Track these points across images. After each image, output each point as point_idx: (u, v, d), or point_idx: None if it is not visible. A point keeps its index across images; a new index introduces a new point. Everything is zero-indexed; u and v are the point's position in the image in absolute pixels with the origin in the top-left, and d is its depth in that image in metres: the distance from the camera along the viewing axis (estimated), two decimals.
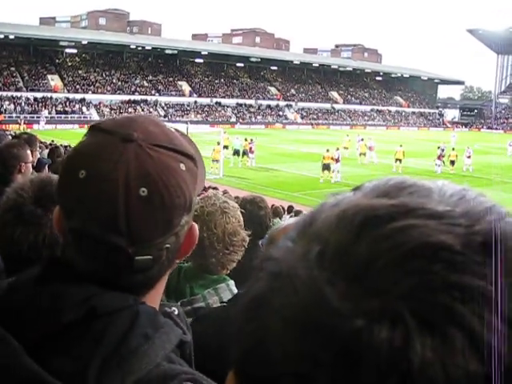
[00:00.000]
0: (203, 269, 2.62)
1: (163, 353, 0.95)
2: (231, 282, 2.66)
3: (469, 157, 37.92)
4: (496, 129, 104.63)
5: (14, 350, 0.90)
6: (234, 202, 2.94)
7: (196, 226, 1.10)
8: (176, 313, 1.11)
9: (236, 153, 36.33)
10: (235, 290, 2.66)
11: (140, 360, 0.92)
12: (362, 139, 40.87)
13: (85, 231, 0.96)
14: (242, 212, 2.82)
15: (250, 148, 36.09)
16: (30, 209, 1.61)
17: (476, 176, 34.73)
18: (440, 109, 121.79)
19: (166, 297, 1.58)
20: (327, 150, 31.58)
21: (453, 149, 38.35)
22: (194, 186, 1.03)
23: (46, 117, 65.38)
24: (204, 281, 2.58)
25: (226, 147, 36.27)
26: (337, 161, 31.32)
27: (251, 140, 36.33)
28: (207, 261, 2.58)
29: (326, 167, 30.99)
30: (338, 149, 32.48)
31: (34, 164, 4.71)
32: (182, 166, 1.00)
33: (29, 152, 4.45)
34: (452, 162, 36.80)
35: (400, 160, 35.95)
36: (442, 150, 37.84)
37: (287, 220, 11.84)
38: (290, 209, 15.63)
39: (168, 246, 1.00)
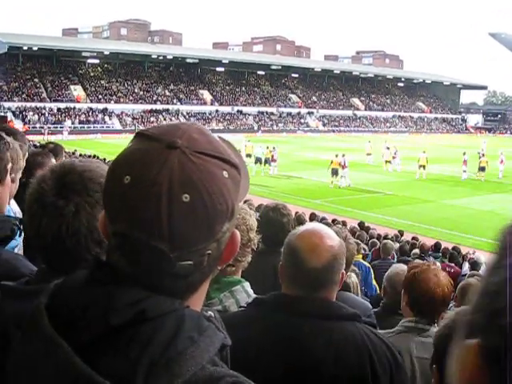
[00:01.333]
0: None
1: (208, 356, 0.97)
2: (246, 284, 2.68)
3: (501, 162, 37.11)
4: None
5: (65, 351, 0.94)
6: (250, 208, 2.95)
7: (238, 234, 1.10)
8: (214, 316, 1.12)
9: (258, 161, 36.38)
10: (251, 292, 2.67)
11: (186, 363, 0.94)
12: (388, 147, 40.44)
13: (128, 235, 0.98)
14: (259, 219, 2.86)
15: (272, 156, 36.17)
16: (51, 200, 1.62)
17: (507, 183, 34.42)
18: (463, 114, 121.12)
19: None
20: (336, 156, 31.91)
21: (483, 155, 37.41)
22: (236, 193, 1.04)
23: (69, 127, 66.10)
24: (219, 284, 2.58)
25: (248, 155, 36.54)
26: (343, 167, 31.44)
27: (273, 148, 36.33)
28: None
29: (335, 172, 31.53)
30: (344, 155, 32.24)
31: None
32: (225, 174, 1.01)
33: (53, 160, 4.46)
34: (482, 169, 35.55)
35: (424, 166, 35.56)
36: (480, 156, 37.25)
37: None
38: (313, 216, 15.57)
39: (209, 252, 1.02)
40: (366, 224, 17.16)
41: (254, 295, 2.64)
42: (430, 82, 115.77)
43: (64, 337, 0.95)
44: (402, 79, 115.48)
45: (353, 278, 4.49)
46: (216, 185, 0.99)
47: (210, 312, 1.14)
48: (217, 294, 2.57)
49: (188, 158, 0.98)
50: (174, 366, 0.93)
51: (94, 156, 29.12)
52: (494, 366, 0.63)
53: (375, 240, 13.24)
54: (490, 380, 0.64)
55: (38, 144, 30.39)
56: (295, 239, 2.23)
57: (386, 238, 14.26)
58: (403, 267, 4.95)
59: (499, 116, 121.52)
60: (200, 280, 1.07)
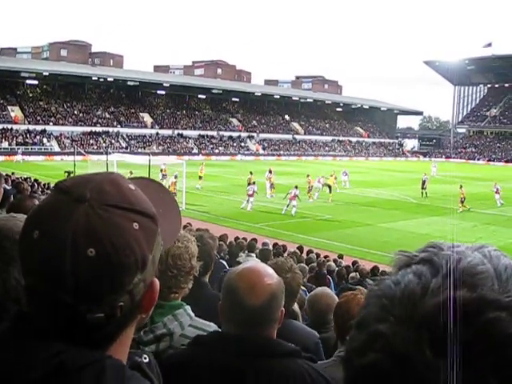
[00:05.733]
0: None
1: None
2: (188, 307, 2.77)
3: (497, 192, 37.29)
4: (454, 158, 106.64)
5: None
6: (189, 233, 3.08)
7: (157, 283, 1.11)
8: (146, 361, 1.14)
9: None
10: (193, 315, 2.76)
11: None
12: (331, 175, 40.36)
13: (36, 288, 0.99)
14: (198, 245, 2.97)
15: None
16: None
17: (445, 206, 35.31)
18: (400, 139, 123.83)
19: None
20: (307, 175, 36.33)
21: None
22: (149, 243, 1.04)
23: (5, 148, 64.80)
24: (162, 309, 2.65)
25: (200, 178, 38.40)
26: (250, 195, 31.92)
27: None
28: None
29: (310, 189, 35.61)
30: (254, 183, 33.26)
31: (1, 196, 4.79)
32: (135, 225, 1.02)
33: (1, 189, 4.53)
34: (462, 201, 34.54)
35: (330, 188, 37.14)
36: (424, 182, 39.73)
37: (245, 258, 11.88)
38: (250, 242, 15.24)
39: (122, 303, 1.01)
40: (306, 248, 17.41)
41: (196, 318, 2.75)
42: (367, 107, 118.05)
43: None
44: (341, 104, 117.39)
45: (296, 306, 4.65)
46: (123, 238, 0.99)
47: (144, 356, 1.14)
48: (160, 318, 2.64)
49: (95, 212, 0.99)
50: None
51: (33, 179, 28.68)
52: None
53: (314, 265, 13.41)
54: None
55: None
56: (234, 278, 2.25)
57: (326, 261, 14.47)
58: (324, 290, 5.24)
59: (434, 141, 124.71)
60: (117, 331, 1.06)
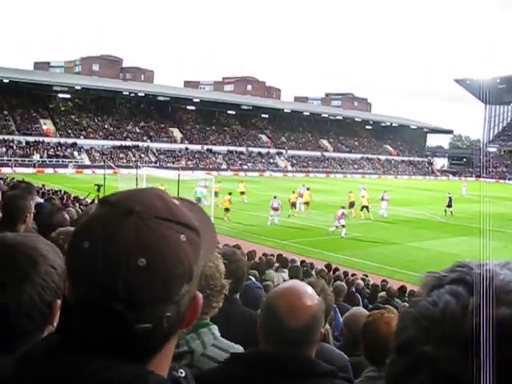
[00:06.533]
0: None
1: None
2: (214, 326, 2.72)
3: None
4: (485, 177, 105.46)
5: None
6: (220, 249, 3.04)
7: (200, 296, 1.14)
8: (183, 375, 1.15)
9: (197, 201, 36.65)
10: (218, 334, 2.71)
11: None
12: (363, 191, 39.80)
13: (87, 298, 1.01)
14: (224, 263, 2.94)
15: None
16: None
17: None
18: (429, 157, 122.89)
19: None
20: (293, 192, 36.97)
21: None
22: (195, 256, 1.07)
23: (37, 160, 65.81)
24: None
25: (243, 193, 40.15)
26: (275, 209, 32.58)
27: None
28: None
29: (293, 205, 36.08)
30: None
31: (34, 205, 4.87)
32: (183, 237, 1.04)
33: (32, 202, 4.57)
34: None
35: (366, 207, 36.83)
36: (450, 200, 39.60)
37: (282, 274, 11.81)
38: (280, 257, 15.57)
39: (168, 314, 1.03)
40: (334, 266, 17.34)
41: (220, 338, 2.69)
42: (397, 125, 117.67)
43: None
44: (370, 122, 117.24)
45: (327, 326, 4.61)
46: (172, 249, 1.02)
47: (180, 371, 1.16)
48: (184, 335, 2.57)
49: (144, 223, 1.02)
50: None
51: (63, 192, 28.98)
52: None
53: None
54: None
55: (5, 178, 30.23)
56: (274, 298, 2.24)
57: (352, 279, 14.40)
58: (360, 310, 5.16)
59: (464, 160, 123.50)
60: (161, 342, 1.08)
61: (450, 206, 39.81)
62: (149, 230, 1.01)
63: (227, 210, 33.12)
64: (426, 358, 0.68)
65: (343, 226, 29.49)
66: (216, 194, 37.05)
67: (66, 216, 4.69)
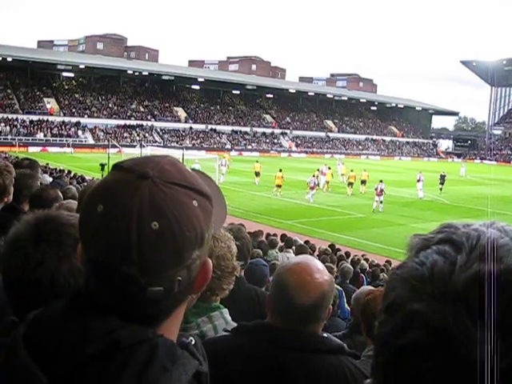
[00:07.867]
0: None
1: None
2: (225, 311, 2.68)
3: None
4: (489, 159, 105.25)
5: (39, 381, 0.97)
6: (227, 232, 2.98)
7: (210, 262, 1.13)
8: (193, 343, 1.14)
9: None
10: (229, 319, 2.66)
11: None
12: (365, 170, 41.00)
13: (100, 261, 1.02)
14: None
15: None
16: (22, 244, 1.61)
17: (468, 206, 34.88)
18: (434, 139, 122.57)
19: None
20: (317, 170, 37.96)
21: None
22: (206, 222, 1.07)
23: (40, 139, 65.80)
24: (197, 309, 2.56)
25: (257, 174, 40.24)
26: (312, 188, 33.50)
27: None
28: None
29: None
30: (314, 175, 35.67)
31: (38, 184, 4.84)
32: (195, 203, 1.05)
33: (38, 182, 4.55)
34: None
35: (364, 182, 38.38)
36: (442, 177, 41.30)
37: (287, 254, 11.76)
38: (283, 237, 15.53)
39: (180, 278, 1.04)
40: (337, 246, 17.29)
41: (232, 322, 2.63)
42: (402, 106, 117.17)
43: (40, 366, 0.98)
44: (375, 103, 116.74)
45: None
46: (185, 213, 1.02)
47: (190, 338, 1.16)
48: (194, 318, 2.56)
49: (158, 188, 1.02)
50: None
51: (68, 171, 28.95)
52: None
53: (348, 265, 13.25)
54: None
55: (8, 156, 30.15)
56: (285, 273, 2.22)
57: (352, 260, 14.34)
58: (372, 288, 5.11)
59: (469, 142, 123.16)
60: (171, 306, 1.09)
61: (441, 183, 41.60)
62: (162, 194, 1.02)
63: (279, 186, 34.79)
64: (416, 315, 0.68)
65: (381, 201, 31.66)
66: (257, 174, 39.71)
67: (59, 193, 4.62)
